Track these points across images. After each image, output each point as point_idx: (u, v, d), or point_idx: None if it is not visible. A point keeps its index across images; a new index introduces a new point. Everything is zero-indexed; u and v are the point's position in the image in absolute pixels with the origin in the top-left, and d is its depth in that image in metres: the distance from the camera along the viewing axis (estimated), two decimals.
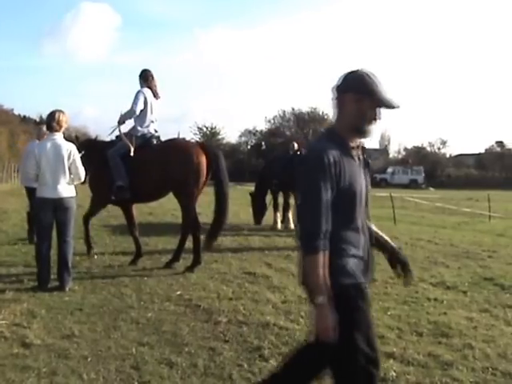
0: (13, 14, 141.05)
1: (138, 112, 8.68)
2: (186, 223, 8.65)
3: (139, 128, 8.79)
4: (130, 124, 8.98)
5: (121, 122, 8.91)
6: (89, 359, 4.66)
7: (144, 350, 4.92)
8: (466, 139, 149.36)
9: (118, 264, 8.67)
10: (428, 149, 74.66)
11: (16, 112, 66.31)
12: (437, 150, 74.68)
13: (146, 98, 8.76)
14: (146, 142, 8.74)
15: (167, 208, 19.57)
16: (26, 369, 4.41)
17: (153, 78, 8.97)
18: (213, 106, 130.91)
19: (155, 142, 8.87)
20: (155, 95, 8.97)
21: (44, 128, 8.41)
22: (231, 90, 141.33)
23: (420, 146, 75.14)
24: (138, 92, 8.80)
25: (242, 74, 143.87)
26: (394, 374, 4.46)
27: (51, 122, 7.12)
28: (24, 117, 73.12)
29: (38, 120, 74.38)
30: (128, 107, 8.73)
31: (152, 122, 8.93)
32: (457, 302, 6.89)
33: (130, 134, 8.82)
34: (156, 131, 9.01)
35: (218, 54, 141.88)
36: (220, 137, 75.06)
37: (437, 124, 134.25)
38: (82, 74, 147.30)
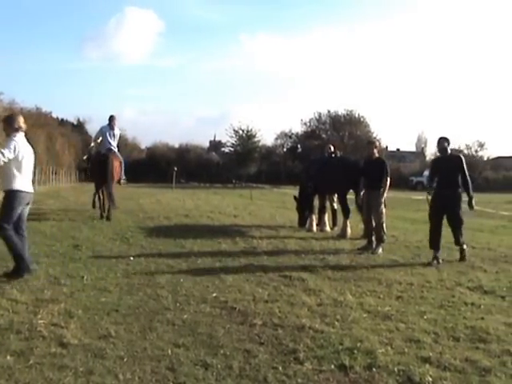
0: (55, 18, 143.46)
1: (97, 139, 16.04)
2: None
3: (103, 147, 15.75)
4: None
5: (94, 141, 16.55)
6: (125, 359, 4.69)
7: (179, 351, 4.94)
8: (505, 142, 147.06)
9: (154, 265, 8.72)
10: (465, 151, 73.65)
11: (54, 115, 66.78)
12: (474, 153, 73.66)
13: (103, 133, 15.76)
14: (106, 155, 15.46)
15: (203, 210, 19.70)
16: (64, 368, 4.46)
17: (114, 118, 15.86)
18: (249, 108, 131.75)
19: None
20: (112, 128, 15.76)
21: None
22: (268, 93, 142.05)
23: (457, 148, 74.16)
24: (99, 129, 16.14)
25: (277, 76, 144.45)
26: (430, 379, 4.37)
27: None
28: (62, 120, 73.84)
29: (75, 123, 75.29)
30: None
31: (110, 143, 15.71)
32: (495, 306, 6.74)
33: (100, 149, 15.85)
34: (114, 150, 15.83)
35: (256, 58, 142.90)
36: (256, 139, 74.92)
37: (474, 126, 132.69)
38: (122, 78, 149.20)
